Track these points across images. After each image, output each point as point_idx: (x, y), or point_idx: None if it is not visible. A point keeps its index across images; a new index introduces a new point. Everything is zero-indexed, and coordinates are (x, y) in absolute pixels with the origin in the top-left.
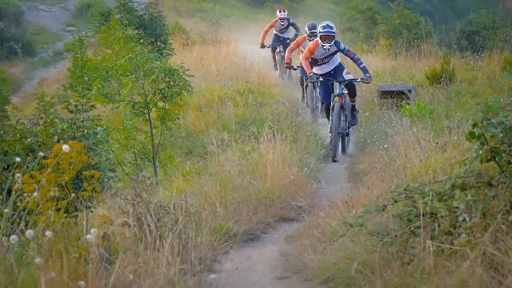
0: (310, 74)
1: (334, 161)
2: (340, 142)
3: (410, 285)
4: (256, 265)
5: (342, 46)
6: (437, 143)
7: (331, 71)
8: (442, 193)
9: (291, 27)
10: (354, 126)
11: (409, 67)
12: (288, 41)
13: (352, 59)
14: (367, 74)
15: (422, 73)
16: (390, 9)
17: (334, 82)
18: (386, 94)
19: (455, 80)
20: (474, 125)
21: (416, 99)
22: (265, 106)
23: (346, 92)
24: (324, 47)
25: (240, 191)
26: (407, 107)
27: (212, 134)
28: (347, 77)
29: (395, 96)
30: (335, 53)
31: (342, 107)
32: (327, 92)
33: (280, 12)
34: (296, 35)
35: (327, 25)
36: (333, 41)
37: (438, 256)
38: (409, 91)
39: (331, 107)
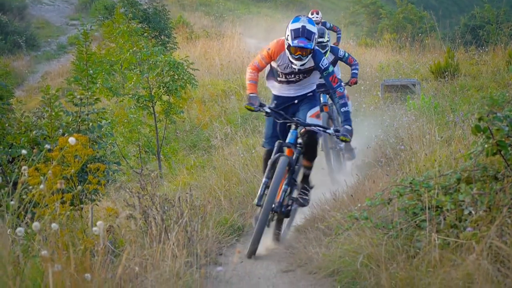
0: (251, 94)
1: (250, 257)
2: (273, 223)
3: (415, 278)
4: (261, 258)
5: (324, 63)
6: (441, 137)
7: (295, 98)
8: (447, 186)
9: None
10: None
11: (413, 61)
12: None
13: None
14: (345, 126)
15: (426, 67)
16: (394, 3)
17: (291, 124)
18: (390, 88)
19: (460, 74)
20: (480, 119)
21: (420, 93)
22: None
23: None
24: (294, 65)
25: (244, 184)
26: (411, 101)
27: (216, 127)
28: (311, 120)
29: (399, 90)
30: (311, 70)
31: (290, 165)
32: (274, 130)
33: (312, 14)
34: (338, 39)
35: (303, 29)
36: (310, 55)
37: (444, 249)
38: (413, 85)
39: (271, 160)
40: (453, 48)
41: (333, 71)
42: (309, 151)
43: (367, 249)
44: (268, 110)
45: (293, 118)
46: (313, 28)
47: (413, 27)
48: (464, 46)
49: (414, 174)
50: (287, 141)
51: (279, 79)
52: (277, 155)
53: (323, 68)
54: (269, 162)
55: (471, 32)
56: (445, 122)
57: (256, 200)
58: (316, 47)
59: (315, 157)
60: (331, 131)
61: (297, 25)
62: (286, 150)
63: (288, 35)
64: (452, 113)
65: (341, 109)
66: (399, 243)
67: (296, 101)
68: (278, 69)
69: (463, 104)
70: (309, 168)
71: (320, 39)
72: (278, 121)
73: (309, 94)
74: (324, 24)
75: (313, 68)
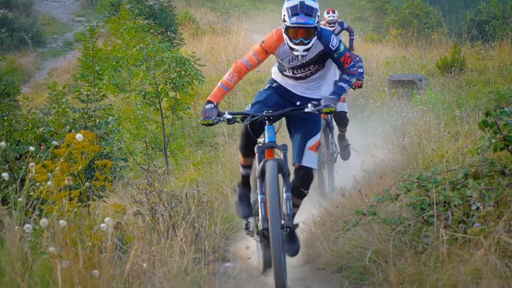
0: (207, 105)
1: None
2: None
3: (423, 273)
4: None
5: (334, 42)
6: (448, 132)
7: (297, 98)
8: (455, 182)
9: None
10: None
11: (419, 56)
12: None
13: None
14: (329, 96)
15: (433, 62)
16: None
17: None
18: (396, 83)
19: (466, 69)
20: (487, 114)
21: (427, 89)
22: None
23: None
24: (295, 52)
25: None
26: (418, 96)
27: (223, 123)
28: (309, 154)
29: (405, 85)
30: (322, 57)
31: (280, 166)
32: (268, 99)
33: (328, 13)
34: (351, 42)
35: (301, 4)
36: (314, 37)
37: (452, 245)
38: (420, 80)
39: (258, 171)
40: (459, 43)
41: (345, 50)
42: (302, 188)
43: (375, 245)
44: (229, 116)
45: (263, 113)
46: (314, 4)
47: (419, 22)
48: (470, 41)
49: (422, 170)
50: (266, 140)
51: (285, 73)
52: (261, 162)
53: (333, 49)
54: (257, 174)
55: (477, 27)
56: (452, 117)
57: (260, 224)
58: (321, 26)
59: (305, 195)
60: (309, 109)
61: (294, 1)
62: (266, 152)
63: (284, 15)
64: (458, 108)
65: (339, 82)
66: (407, 239)
67: (298, 103)
68: (283, 63)
69: (469, 99)
70: (297, 207)
71: None
72: (246, 123)
73: (313, 102)
74: (341, 24)
75: (322, 52)
